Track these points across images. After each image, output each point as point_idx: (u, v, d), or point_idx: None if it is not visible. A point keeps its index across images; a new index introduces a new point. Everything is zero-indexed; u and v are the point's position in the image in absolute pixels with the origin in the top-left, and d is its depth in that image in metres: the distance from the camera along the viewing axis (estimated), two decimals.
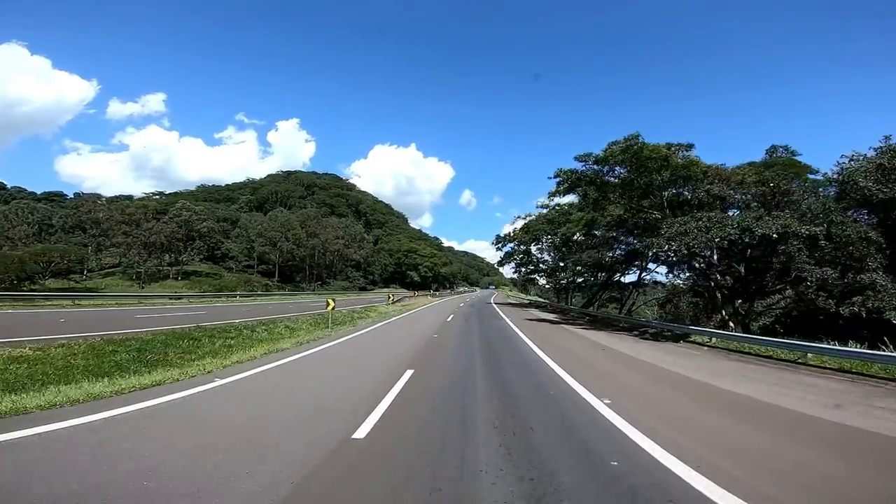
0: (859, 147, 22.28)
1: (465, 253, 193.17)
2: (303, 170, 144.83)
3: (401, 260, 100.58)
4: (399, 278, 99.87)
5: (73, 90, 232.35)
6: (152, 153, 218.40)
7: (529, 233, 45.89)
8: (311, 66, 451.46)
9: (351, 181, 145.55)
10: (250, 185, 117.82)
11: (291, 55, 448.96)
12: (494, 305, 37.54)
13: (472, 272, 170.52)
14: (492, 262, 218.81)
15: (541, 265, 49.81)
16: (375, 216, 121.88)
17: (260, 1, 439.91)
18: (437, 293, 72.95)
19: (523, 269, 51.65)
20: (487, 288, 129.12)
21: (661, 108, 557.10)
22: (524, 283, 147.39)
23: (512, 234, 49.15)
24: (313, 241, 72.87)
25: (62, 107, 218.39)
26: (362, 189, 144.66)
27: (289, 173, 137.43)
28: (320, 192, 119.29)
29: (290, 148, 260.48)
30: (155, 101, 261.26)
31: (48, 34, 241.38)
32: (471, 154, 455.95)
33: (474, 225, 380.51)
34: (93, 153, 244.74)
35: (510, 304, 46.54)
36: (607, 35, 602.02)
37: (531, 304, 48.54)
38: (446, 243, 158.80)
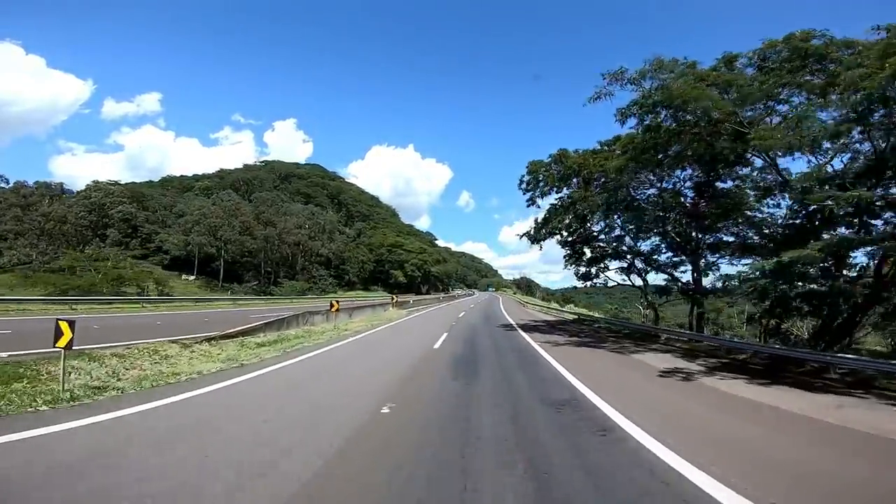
0: None
1: (463, 254, 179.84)
2: (282, 160, 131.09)
3: (383, 256, 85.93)
4: (382, 278, 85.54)
5: (68, 90, 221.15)
6: (147, 153, 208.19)
7: (630, 148, 15.70)
8: (309, 65, 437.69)
9: (345, 179, 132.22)
10: (217, 175, 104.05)
11: (288, 55, 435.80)
12: (536, 346, 12.84)
13: (469, 273, 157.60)
14: (490, 264, 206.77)
15: (615, 244, 22.33)
16: (359, 208, 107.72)
17: (257, 0, 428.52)
18: (416, 297, 49.54)
19: (580, 254, 23.67)
20: (487, 290, 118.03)
21: None
22: (528, 286, 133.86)
23: (569, 161, 20.50)
24: (266, 231, 58.84)
25: (57, 107, 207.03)
26: (349, 182, 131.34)
27: (267, 163, 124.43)
28: (297, 182, 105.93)
29: (287, 148, 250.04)
30: (150, 101, 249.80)
31: (43, 33, 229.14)
32: (470, 155, 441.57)
33: (472, 227, 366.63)
34: (87, 153, 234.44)
35: (554, 326, 22.71)
36: (609, 35, 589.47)
37: (592, 327, 22.34)
38: (443, 244, 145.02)
